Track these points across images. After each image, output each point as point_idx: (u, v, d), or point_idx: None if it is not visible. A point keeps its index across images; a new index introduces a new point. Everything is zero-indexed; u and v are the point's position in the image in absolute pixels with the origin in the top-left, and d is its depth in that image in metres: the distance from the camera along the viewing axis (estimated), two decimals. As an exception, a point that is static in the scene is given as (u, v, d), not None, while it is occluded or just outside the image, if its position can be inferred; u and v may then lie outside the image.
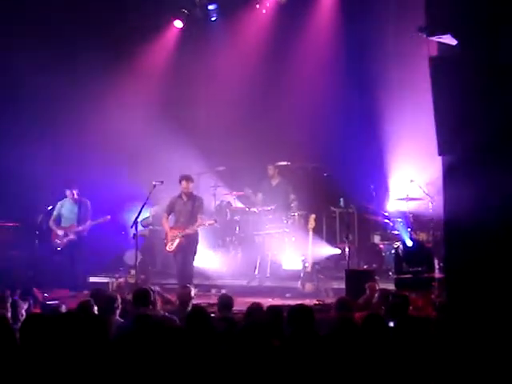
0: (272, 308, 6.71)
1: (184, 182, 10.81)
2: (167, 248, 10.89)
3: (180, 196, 10.92)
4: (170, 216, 11.02)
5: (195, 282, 11.68)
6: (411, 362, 5.13)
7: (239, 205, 13.38)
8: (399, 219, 11.99)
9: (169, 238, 10.84)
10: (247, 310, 6.86)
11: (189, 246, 10.81)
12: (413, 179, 11.97)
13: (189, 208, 10.85)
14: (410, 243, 10.87)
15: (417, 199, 12.05)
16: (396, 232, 11.77)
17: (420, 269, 10.09)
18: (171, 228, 10.89)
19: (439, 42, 6.69)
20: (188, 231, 10.70)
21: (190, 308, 7.41)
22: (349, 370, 5.16)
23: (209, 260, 12.94)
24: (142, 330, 5.63)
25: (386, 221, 12.19)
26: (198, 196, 11.10)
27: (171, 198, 10.98)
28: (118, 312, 6.98)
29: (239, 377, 5.04)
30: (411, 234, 11.38)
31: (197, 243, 10.93)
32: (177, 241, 10.73)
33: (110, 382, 4.97)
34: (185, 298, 7.80)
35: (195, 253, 10.96)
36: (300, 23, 13.66)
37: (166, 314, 7.10)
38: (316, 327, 5.90)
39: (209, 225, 10.95)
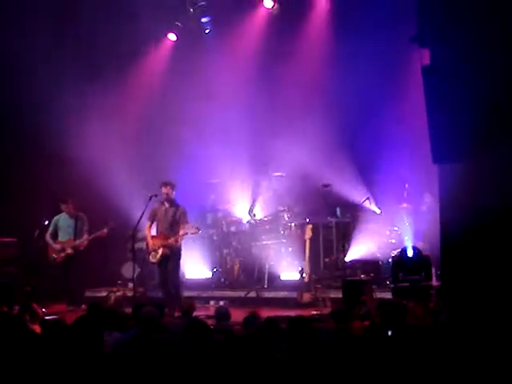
0: (269, 319, 6.71)
1: (164, 188, 10.67)
2: (151, 259, 10.75)
3: (162, 203, 10.79)
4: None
5: (193, 294, 11.71)
6: (410, 370, 5.13)
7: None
8: (395, 228, 12.03)
9: (150, 248, 10.72)
10: (244, 319, 6.87)
11: (173, 257, 10.68)
12: (408, 184, 12.01)
13: (170, 216, 10.71)
14: (410, 252, 10.90)
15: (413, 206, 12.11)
16: (392, 241, 11.80)
17: (418, 277, 10.09)
18: (153, 237, 10.75)
19: (431, 51, 6.73)
20: (170, 242, 10.58)
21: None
22: (348, 379, 5.15)
23: (205, 271, 12.96)
24: (142, 346, 5.62)
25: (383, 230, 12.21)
26: (180, 204, 10.88)
27: (154, 206, 10.80)
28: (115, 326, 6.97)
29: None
30: (410, 243, 11.43)
31: (180, 252, 10.80)
32: (160, 251, 10.61)
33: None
34: (187, 309, 7.82)
35: (179, 263, 10.85)
36: (293, 34, 13.70)
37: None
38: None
39: (191, 234, 10.76)
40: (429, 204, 11.75)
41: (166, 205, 10.74)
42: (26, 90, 12.86)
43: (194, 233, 10.75)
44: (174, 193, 10.74)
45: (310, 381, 5.12)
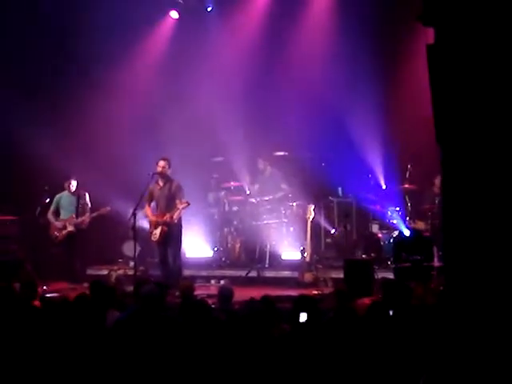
0: (266, 298, 6.72)
1: (161, 162, 10.60)
2: (152, 238, 10.75)
3: (157, 182, 10.75)
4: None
5: (194, 273, 11.73)
6: (410, 350, 5.14)
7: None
8: (397, 208, 12.02)
9: (151, 226, 10.72)
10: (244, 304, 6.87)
11: (172, 235, 10.66)
12: (411, 165, 11.99)
13: (165, 193, 10.68)
14: (407, 232, 10.90)
15: (415, 186, 12.10)
16: (394, 221, 11.79)
17: (419, 258, 10.09)
18: (153, 216, 10.74)
19: (436, 30, 6.66)
20: (166, 219, 10.55)
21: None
22: (349, 357, 5.17)
23: (206, 250, 12.98)
24: (141, 324, 5.62)
25: (384, 210, 12.21)
26: (175, 180, 10.82)
27: (149, 187, 10.72)
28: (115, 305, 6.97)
29: (240, 367, 5.04)
30: (408, 223, 11.43)
31: (180, 230, 10.78)
32: (159, 230, 10.62)
33: (108, 373, 4.97)
34: (187, 290, 7.81)
35: (180, 241, 10.85)
36: (297, 12, 13.62)
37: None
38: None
39: (183, 208, 10.63)
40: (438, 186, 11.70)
41: (161, 183, 10.72)
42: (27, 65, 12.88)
43: (185, 207, 10.59)
44: (169, 169, 10.71)
45: (311, 360, 5.13)
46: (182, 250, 11.08)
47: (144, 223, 11.05)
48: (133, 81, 13.69)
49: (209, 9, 14.13)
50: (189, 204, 10.57)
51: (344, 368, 5.04)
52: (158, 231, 10.59)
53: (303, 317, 5.74)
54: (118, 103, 13.35)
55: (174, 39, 14.30)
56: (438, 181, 11.70)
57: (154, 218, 10.70)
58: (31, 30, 13.00)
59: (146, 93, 13.75)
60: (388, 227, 11.97)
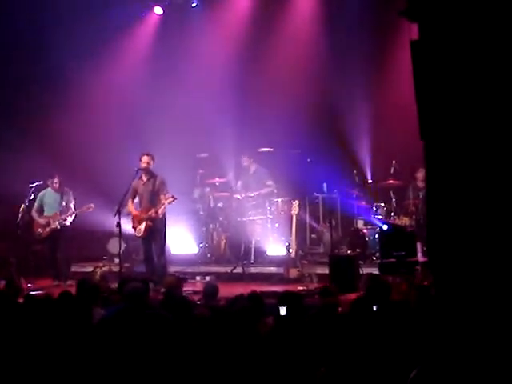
0: (253, 294, 6.73)
1: (144, 157, 10.54)
2: (136, 233, 10.71)
3: (140, 177, 10.70)
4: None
5: (179, 269, 11.70)
6: (394, 345, 5.16)
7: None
8: (382, 203, 12.08)
9: (135, 222, 10.67)
10: (231, 300, 6.87)
11: (157, 230, 10.61)
12: (396, 161, 12.05)
13: (149, 188, 10.63)
14: (385, 227, 10.99)
15: (400, 182, 12.17)
16: (378, 217, 11.86)
17: (404, 253, 10.12)
18: (136, 212, 10.70)
19: (420, 26, 6.68)
20: (150, 214, 10.50)
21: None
22: (333, 353, 5.18)
23: (191, 247, 12.96)
24: (127, 322, 5.60)
25: (369, 206, 12.27)
26: (159, 175, 10.76)
27: (133, 182, 10.64)
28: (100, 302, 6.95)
29: (226, 363, 5.04)
30: (384, 220, 11.52)
31: (165, 225, 10.73)
32: (143, 225, 10.57)
33: (92, 371, 4.95)
34: (172, 286, 7.79)
35: (165, 237, 10.78)
36: (282, 8, 13.61)
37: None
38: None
39: (169, 203, 10.54)
40: (422, 180, 11.75)
41: (144, 178, 10.68)
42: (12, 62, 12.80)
43: (170, 202, 10.54)
44: (153, 164, 10.67)
45: (296, 355, 5.14)
46: (166, 246, 11.04)
47: (128, 219, 10.97)
48: (117, 78, 13.64)
49: (193, 5, 14.08)
50: (175, 199, 10.52)
51: (328, 364, 5.05)
52: (142, 226, 10.55)
53: (283, 311, 5.76)
54: (101, 100, 13.31)
55: (158, 35, 14.26)
56: (420, 174, 11.77)
57: (138, 214, 10.66)
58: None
59: (130, 89, 13.70)
60: (372, 223, 12.01)
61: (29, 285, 10.12)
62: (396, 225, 11.38)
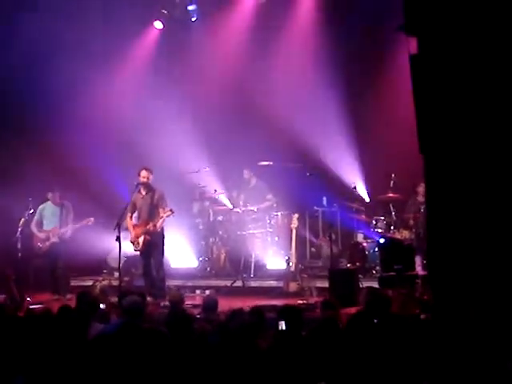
0: (255, 309, 6.72)
1: (143, 172, 10.52)
2: (134, 248, 10.67)
3: (139, 191, 10.67)
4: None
5: (179, 283, 11.69)
6: (394, 359, 5.14)
7: (226, 201, 13.35)
8: (382, 217, 12.07)
9: (133, 236, 10.64)
10: (230, 314, 6.85)
11: (155, 244, 10.59)
12: (395, 174, 12.06)
13: (148, 202, 10.61)
14: (382, 240, 10.99)
15: (399, 195, 12.16)
16: (378, 231, 11.86)
17: (403, 267, 10.12)
18: (135, 226, 10.70)
19: (419, 40, 6.70)
20: (149, 228, 10.48)
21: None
22: (332, 367, 5.16)
23: (191, 260, 12.95)
24: (125, 336, 5.58)
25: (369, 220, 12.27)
26: (158, 188, 10.74)
27: (132, 196, 10.61)
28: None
29: (225, 378, 5.02)
30: (383, 233, 11.52)
31: (163, 239, 10.70)
32: (141, 239, 10.53)
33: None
34: (176, 300, 7.79)
35: (163, 251, 10.75)
36: (280, 22, 13.68)
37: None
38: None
39: (167, 216, 10.52)
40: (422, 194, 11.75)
41: (143, 192, 10.67)
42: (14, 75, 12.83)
43: (169, 215, 10.52)
44: (151, 178, 10.67)
45: (296, 370, 5.12)
46: (165, 260, 11.02)
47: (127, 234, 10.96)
48: (116, 91, 13.67)
49: (193, 19, 14.13)
50: (173, 212, 10.50)
51: (328, 378, 5.03)
52: (140, 240, 10.54)
53: (282, 325, 5.74)
54: (101, 116, 13.34)
55: (158, 49, 14.30)
56: (421, 189, 11.77)
57: (136, 228, 10.65)
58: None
59: (130, 102, 13.73)
60: (372, 236, 12.01)
61: (28, 299, 10.10)
62: (394, 238, 11.37)
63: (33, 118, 13.33)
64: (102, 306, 7.89)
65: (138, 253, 10.79)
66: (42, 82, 12.88)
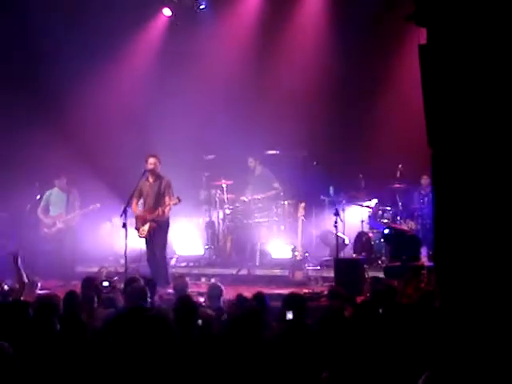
0: (257, 295, 6.74)
1: (151, 159, 10.50)
2: (139, 234, 10.68)
3: (146, 178, 10.67)
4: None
5: (185, 270, 11.72)
6: (399, 348, 5.15)
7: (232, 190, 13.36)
8: (388, 207, 12.06)
9: (139, 223, 10.66)
10: (235, 301, 6.87)
11: (160, 231, 10.59)
12: (402, 165, 12.03)
13: (155, 189, 10.59)
14: (386, 231, 10.98)
15: (406, 186, 12.14)
16: (384, 221, 11.85)
17: (409, 257, 10.11)
18: (140, 213, 10.67)
19: (428, 30, 6.67)
20: (156, 215, 10.48)
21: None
22: (339, 357, 5.17)
23: (197, 248, 12.97)
24: (130, 322, 5.60)
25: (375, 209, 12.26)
26: (165, 177, 10.73)
27: (138, 183, 10.58)
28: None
29: (229, 366, 5.04)
30: (388, 224, 11.51)
31: (168, 227, 10.72)
32: (147, 226, 10.56)
33: (93, 373, 4.94)
34: (181, 287, 7.82)
35: (167, 238, 10.77)
36: (290, 10, 13.62)
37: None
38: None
39: (174, 204, 10.53)
40: (427, 186, 11.75)
41: (150, 180, 10.66)
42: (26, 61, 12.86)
43: (176, 203, 10.51)
44: (159, 166, 10.67)
45: (300, 358, 5.13)
46: (169, 247, 11.04)
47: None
48: (126, 79, 13.68)
49: (202, 7, 14.09)
50: (180, 200, 10.51)
51: (333, 367, 5.04)
52: (146, 227, 10.55)
53: (289, 315, 5.75)
54: (109, 102, 13.35)
55: (166, 37, 14.28)
56: (423, 181, 11.79)
57: (141, 215, 10.66)
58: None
59: (139, 90, 13.74)
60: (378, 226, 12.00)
61: (38, 284, 10.13)
62: (399, 229, 11.35)
63: (43, 102, 13.35)
64: (105, 283, 7.96)
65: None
66: (54, 68, 12.92)
